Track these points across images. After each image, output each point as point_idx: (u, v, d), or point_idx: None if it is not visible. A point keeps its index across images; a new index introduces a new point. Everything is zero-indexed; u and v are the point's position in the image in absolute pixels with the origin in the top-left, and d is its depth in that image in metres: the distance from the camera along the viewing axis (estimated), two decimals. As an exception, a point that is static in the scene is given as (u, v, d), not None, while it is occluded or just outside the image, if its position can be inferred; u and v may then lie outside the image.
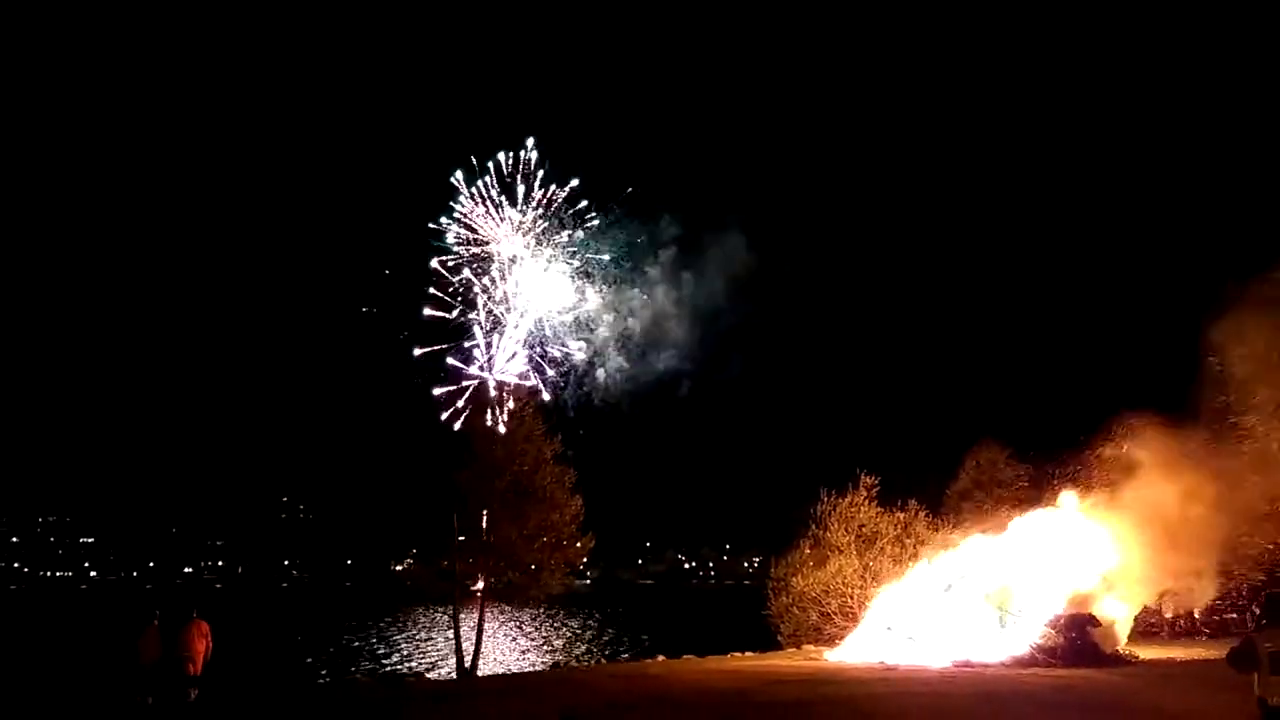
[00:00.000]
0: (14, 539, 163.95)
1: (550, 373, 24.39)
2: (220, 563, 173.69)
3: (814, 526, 27.33)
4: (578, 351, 24.47)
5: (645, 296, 25.57)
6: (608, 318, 24.75)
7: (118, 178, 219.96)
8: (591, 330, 24.77)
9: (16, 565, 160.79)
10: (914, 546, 26.10)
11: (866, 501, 27.16)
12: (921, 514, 27.46)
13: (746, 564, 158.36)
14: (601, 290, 24.56)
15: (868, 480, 27.41)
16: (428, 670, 31.56)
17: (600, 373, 24.75)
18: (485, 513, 23.76)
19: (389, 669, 33.44)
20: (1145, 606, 25.58)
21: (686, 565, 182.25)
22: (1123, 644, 21.47)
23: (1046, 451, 28.71)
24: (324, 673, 32.04)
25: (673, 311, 26.55)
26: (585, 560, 25.76)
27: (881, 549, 26.16)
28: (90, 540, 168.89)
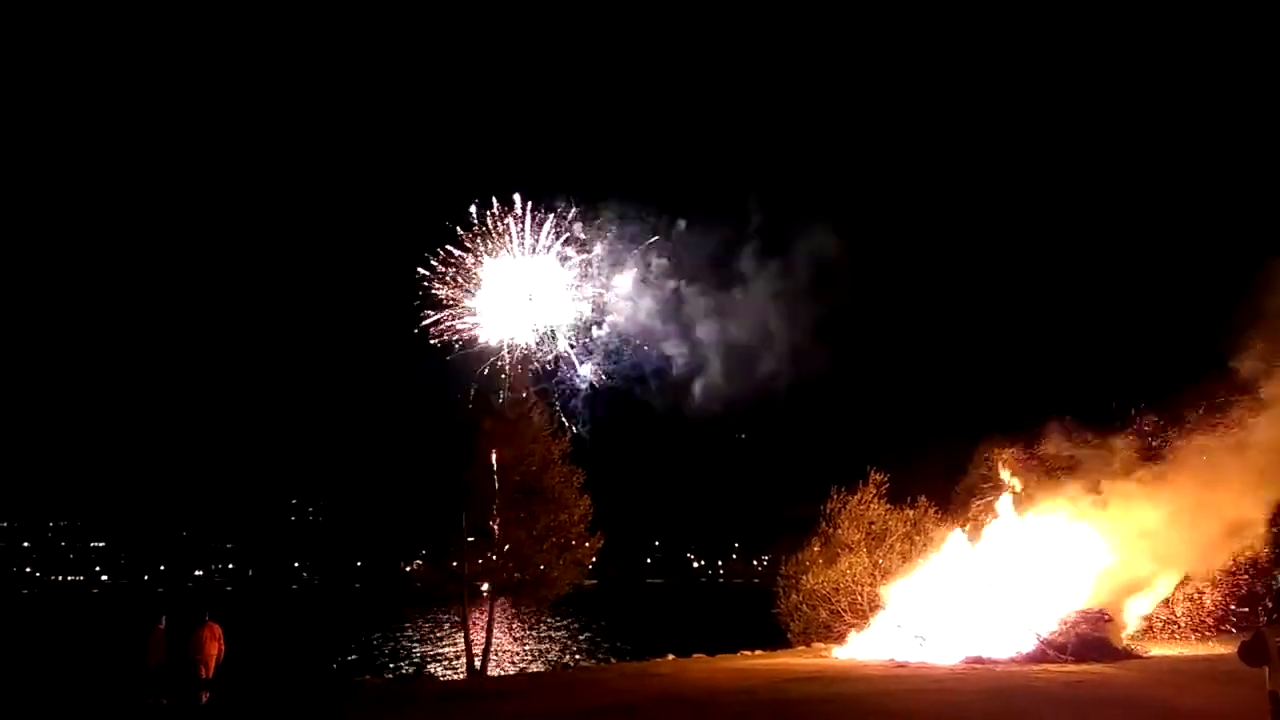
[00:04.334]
0: (25, 543, 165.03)
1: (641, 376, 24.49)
2: (230, 565, 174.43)
3: (824, 524, 27.37)
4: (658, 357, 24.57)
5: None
6: (710, 324, 24.85)
7: (123, 182, 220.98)
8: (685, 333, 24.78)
9: (28, 570, 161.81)
10: (923, 544, 26.14)
11: (876, 499, 27.18)
12: (931, 511, 27.46)
13: (755, 562, 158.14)
14: (687, 293, 24.66)
15: (877, 477, 27.42)
16: (438, 670, 31.60)
17: (698, 386, 24.83)
18: (494, 513, 23.77)
19: (399, 669, 33.49)
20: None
21: (697, 564, 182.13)
22: (1133, 639, 21.43)
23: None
24: (335, 674, 32.10)
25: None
26: (595, 559, 25.77)
27: (891, 546, 26.23)
28: (101, 544, 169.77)
